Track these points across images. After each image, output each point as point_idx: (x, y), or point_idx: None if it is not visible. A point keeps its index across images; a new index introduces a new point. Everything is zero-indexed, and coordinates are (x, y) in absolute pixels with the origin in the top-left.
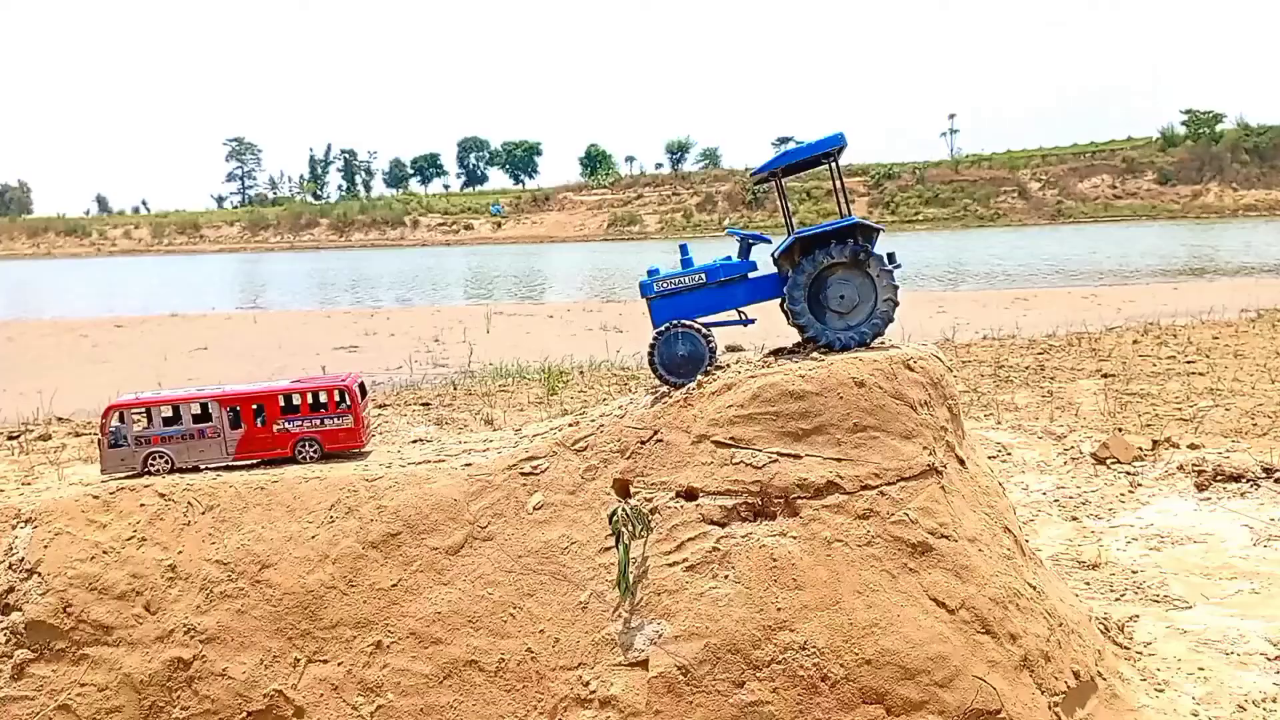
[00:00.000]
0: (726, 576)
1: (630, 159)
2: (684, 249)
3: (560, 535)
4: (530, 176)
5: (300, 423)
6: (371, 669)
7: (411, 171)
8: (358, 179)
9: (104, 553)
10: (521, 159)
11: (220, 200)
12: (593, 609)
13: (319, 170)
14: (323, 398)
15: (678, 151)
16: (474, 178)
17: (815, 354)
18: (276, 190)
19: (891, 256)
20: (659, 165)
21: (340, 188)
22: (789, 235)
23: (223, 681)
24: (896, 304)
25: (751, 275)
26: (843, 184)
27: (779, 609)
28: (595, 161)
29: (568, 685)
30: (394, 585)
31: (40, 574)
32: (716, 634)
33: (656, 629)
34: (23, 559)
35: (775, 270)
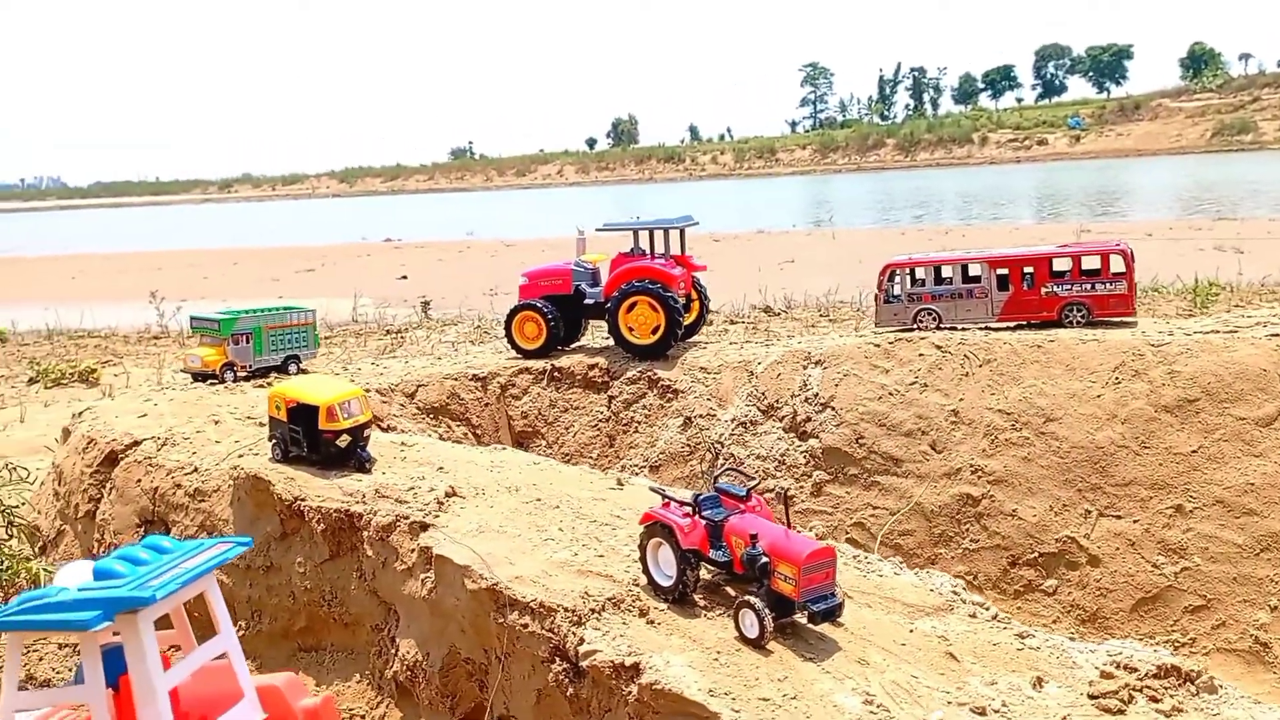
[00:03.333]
0: None
1: (1245, 56)
2: None
3: None
4: (1117, 83)
5: (1070, 287)
6: (1172, 531)
7: (982, 86)
8: (925, 97)
9: (890, 394)
10: (1108, 64)
11: (793, 125)
12: None
13: (887, 90)
14: (1094, 263)
15: None
16: (1051, 88)
17: None
18: (845, 113)
19: None
20: None
21: (907, 107)
22: None
23: (1012, 521)
24: None
25: None
26: None
27: None
28: (1200, 62)
29: None
30: (1194, 451)
31: (834, 408)
32: None
33: None
34: (817, 394)
35: None
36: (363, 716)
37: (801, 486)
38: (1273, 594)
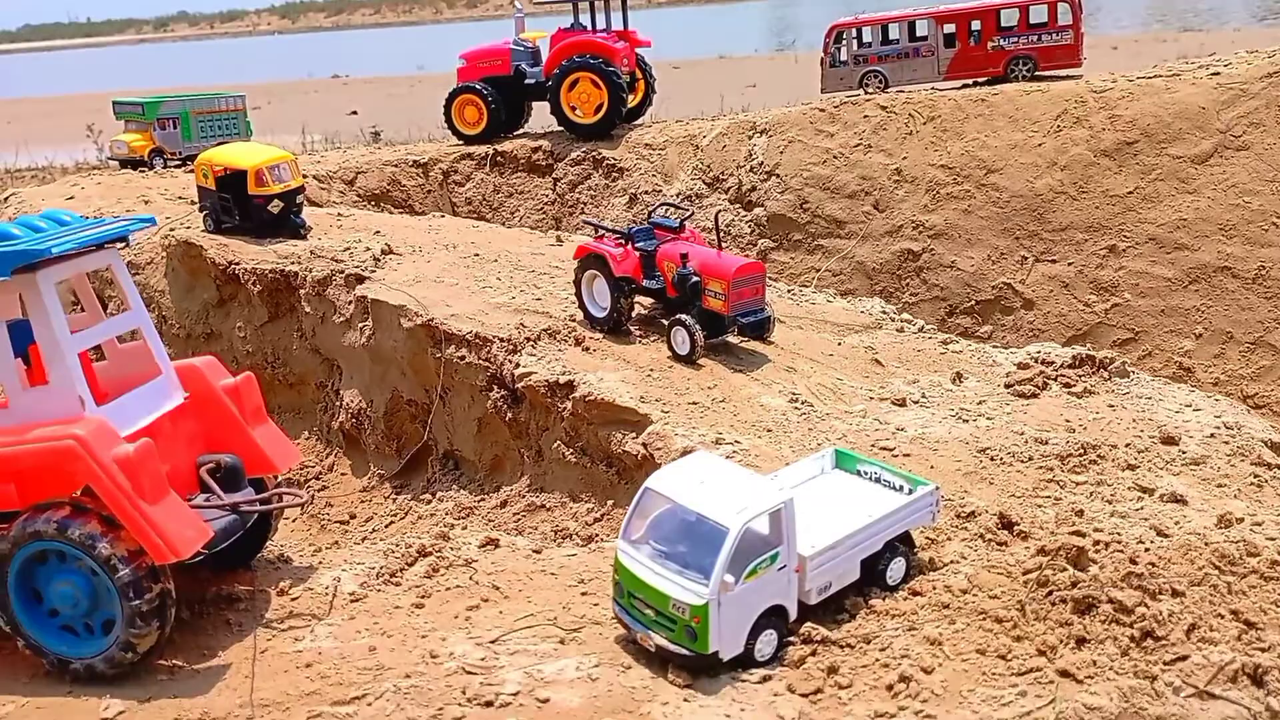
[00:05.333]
0: None
1: None
2: None
3: None
4: None
5: (1016, 40)
6: (1105, 270)
7: None
8: None
9: (834, 157)
10: None
11: None
12: None
13: None
14: (1042, 15)
15: None
16: None
17: None
18: None
19: None
20: None
21: None
22: None
23: (951, 273)
24: None
25: None
26: None
27: None
28: None
29: None
30: (1130, 193)
31: (779, 175)
32: None
33: None
34: (762, 163)
35: None
36: (313, 468)
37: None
38: (1199, 323)
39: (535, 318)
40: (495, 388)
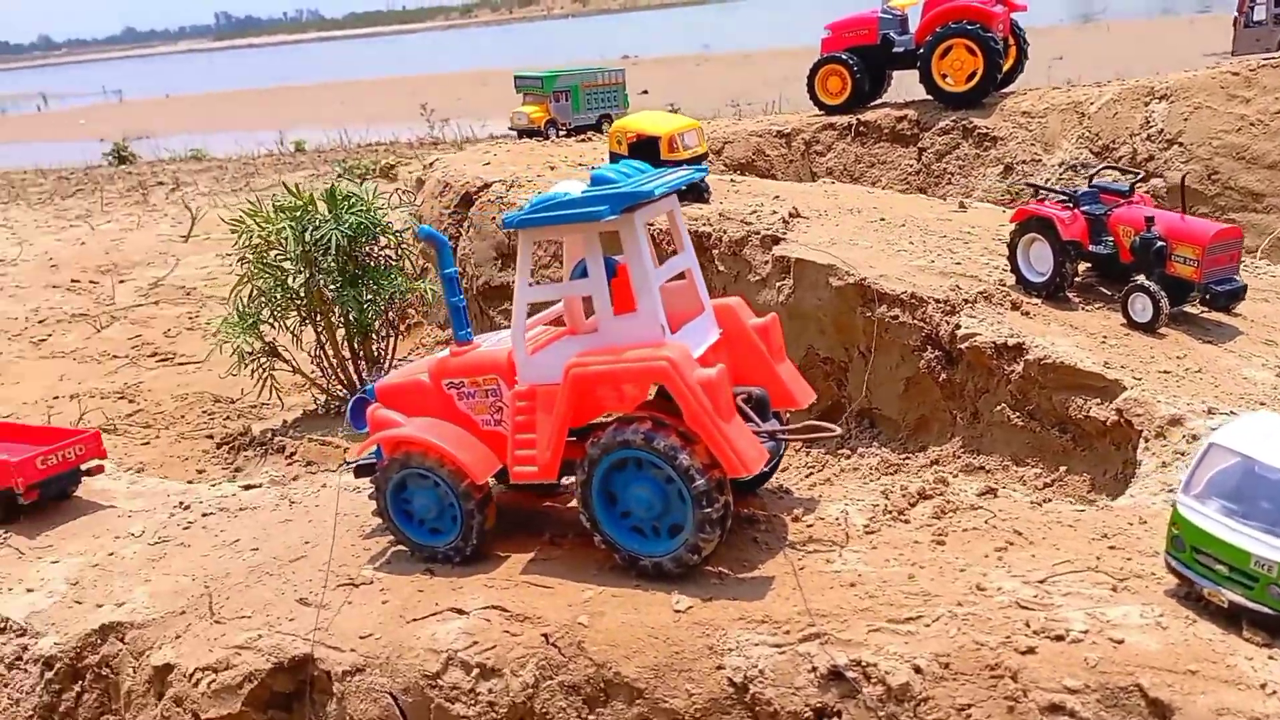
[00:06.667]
0: None
1: None
2: None
3: None
4: None
5: None
6: None
7: None
8: None
9: (1250, 125)
10: None
11: None
12: None
13: None
14: None
15: None
16: None
17: None
18: None
19: None
20: None
21: None
22: None
23: None
24: None
25: None
26: None
27: None
28: None
29: None
30: None
31: (1181, 144)
32: None
33: None
34: (1161, 130)
35: None
36: None
37: None
38: None
39: (964, 281)
40: (929, 348)
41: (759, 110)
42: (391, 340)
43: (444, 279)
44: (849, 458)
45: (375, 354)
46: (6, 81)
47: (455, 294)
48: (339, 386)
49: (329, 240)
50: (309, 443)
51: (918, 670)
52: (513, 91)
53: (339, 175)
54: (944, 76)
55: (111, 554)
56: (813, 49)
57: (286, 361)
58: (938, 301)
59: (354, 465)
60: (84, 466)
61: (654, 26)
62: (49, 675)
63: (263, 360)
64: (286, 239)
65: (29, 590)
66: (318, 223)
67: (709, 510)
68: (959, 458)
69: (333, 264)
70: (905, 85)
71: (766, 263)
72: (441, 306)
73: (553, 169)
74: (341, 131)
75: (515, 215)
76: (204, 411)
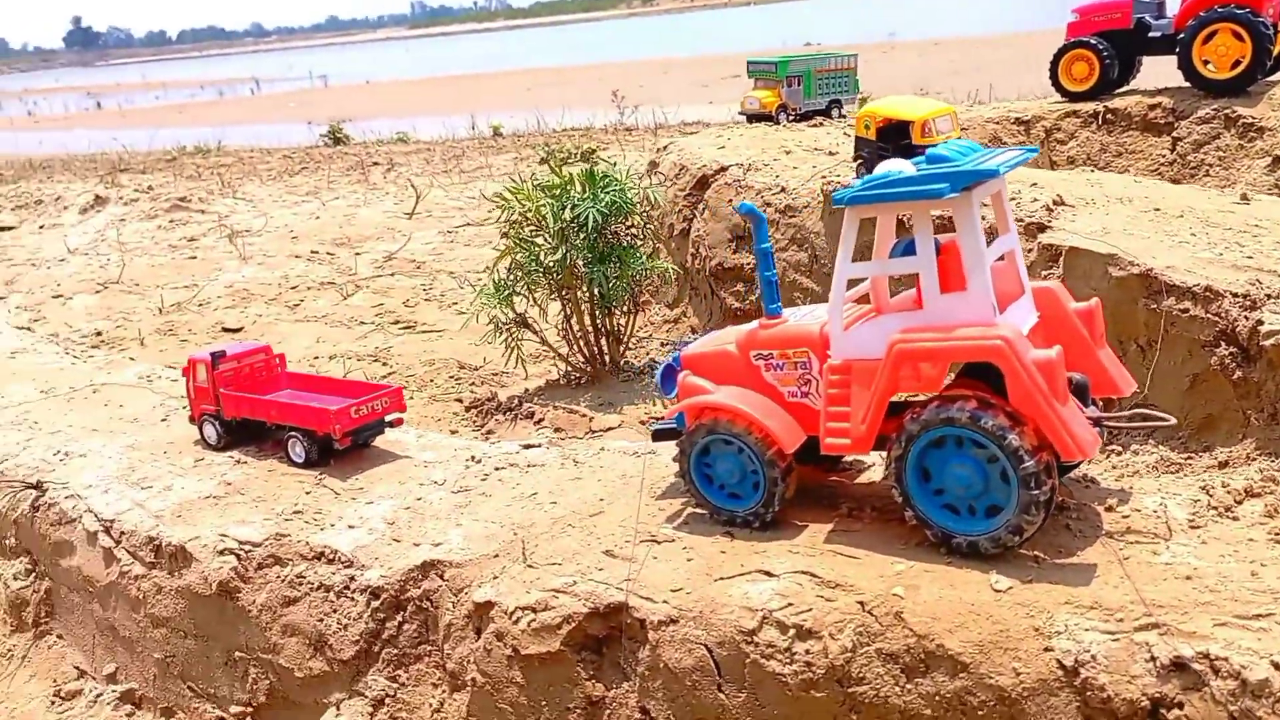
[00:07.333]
0: None
1: None
2: None
3: None
4: None
5: None
6: None
7: None
8: None
9: None
10: None
11: None
12: None
13: None
14: None
15: None
16: None
17: None
18: None
19: None
20: None
21: None
22: None
23: None
24: None
25: None
26: None
27: None
28: None
29: None
30: None
31: None
32: None
33: None
34: None
35: None
36: None
37: None
38: None
39: (1263, 275)
40: (1222, 344)
41: (958, 99)
42: (632, 316)
43: (758, 254)
44: (1121, 454)
45: (615, 329)
46: (224, 66)
47: (769, 269)
48: (579, 358)
49: (585, 218)
50: (555, 410)
51: (1277, 667)
52: (692, 76)
53: (541, 160)
54: (1205, 63)
55: (419, 499)
56: (1007, 36)
57: (535, 332)
58: (1235, 295)
59: (655, 430)
60: (388, 418)
61: (838, 13)
62: (375, 604)
63: (514, 330)
64: (545, 216)
65: (350, 527)
66: (575, 201)
67: (1036, 493)
68: (1253, 460)
69: (585, 241)
70: (1155, 71)
71: (1030, 250)
72: (670, 287)
73: (788, 153)
74: (538, 116)
75: (847, 191)
76: (451, 376)
